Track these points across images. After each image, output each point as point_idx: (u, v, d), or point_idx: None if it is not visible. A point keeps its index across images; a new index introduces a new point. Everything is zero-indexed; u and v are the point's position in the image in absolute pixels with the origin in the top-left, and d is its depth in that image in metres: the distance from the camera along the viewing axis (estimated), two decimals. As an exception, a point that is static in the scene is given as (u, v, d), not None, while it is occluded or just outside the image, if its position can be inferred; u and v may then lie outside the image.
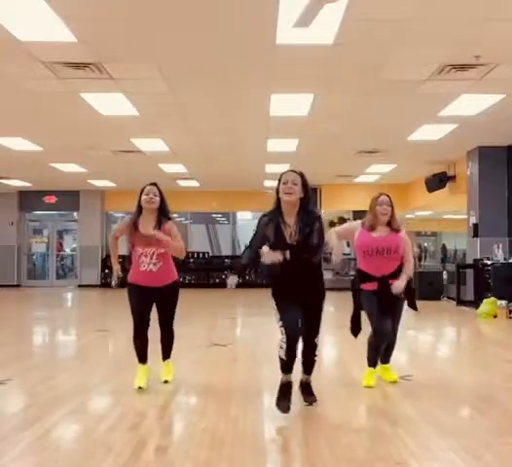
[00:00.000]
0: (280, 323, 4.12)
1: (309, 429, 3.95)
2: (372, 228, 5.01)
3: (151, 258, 4.74)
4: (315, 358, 4.38)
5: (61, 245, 20.42)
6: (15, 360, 6.41)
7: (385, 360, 5.20)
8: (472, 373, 5.86)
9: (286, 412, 4.05)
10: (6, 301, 15.07)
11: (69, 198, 18.66)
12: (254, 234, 4.29)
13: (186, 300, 14.10)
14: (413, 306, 5.25)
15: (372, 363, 5.13)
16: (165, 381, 4.99)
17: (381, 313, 4.91)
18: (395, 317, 5.08)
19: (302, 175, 4.22)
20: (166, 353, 5.07)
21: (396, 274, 4.97)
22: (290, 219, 4.17)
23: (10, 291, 17.32)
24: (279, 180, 4.21)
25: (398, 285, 4.89)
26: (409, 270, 5.00)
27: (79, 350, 7.51)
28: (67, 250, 20.65)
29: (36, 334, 9.46)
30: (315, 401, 4.37)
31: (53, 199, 18.78)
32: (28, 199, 18.81)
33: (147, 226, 4.77)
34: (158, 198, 4.81)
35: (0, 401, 4.75)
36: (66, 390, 4.90)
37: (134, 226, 4.81)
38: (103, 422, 4.02)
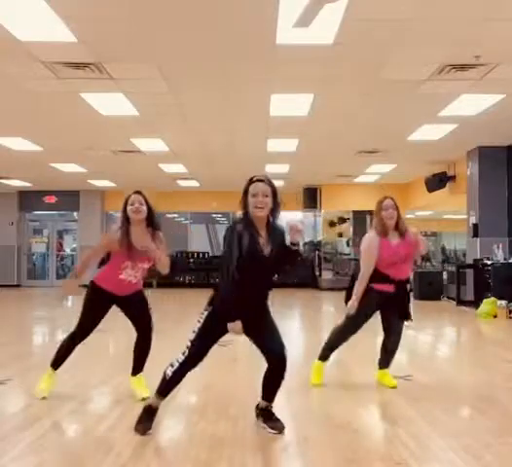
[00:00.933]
0: (192, 344, 3.74)
1: (309, 429, 3.95)
2: (384, 233, 4.92)
3: (137, 271, 4.52)
4: (282, 381, 3.88)
5: (61, 245, 20.43)
6: (15, 360, 6.41)
7: (385, 365, 5.12)
8: (472, 373, 5.86)
9: (145, 433, 3.73)
10: (6, 301, 15.07)
11: (69, 198, 18.67)
12: (228, 246, 3.72)
13: (186, 300, 13.98)
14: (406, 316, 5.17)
15: (322, 356, 5.14)
16: (143, 399, 4.45)
17: (364, 321, 4.95)
18: (399, 320, 5.05)
19: (271, 184, 3.76)
20: (140, 366, 4.70)
21: (409, 278, 5.05)
22: (262, 231, 3.75)
23: (10, 291, 17.32)
24: (247, 190, 3.72)
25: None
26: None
27: (79, 350, 7.49)
28: (67, 250, 20.65)
29: (36, 334, 9.46)
30: (284, 427, 3.83)
31: (53, 199, 18.80)
32: (28, 199, 18.82)
33: (137, 239, 4.46)
34: (144, 208, 4.52)
35: (0, 401, 4.75)
36: (66, 390, 4.89)
37: (129, 240, 4.43)
38: (103, 422, 4.02)
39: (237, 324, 3.63)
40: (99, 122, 9.33)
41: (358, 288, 4.88)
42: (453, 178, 13.32)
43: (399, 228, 4.93)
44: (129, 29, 5.77)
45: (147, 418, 3.81)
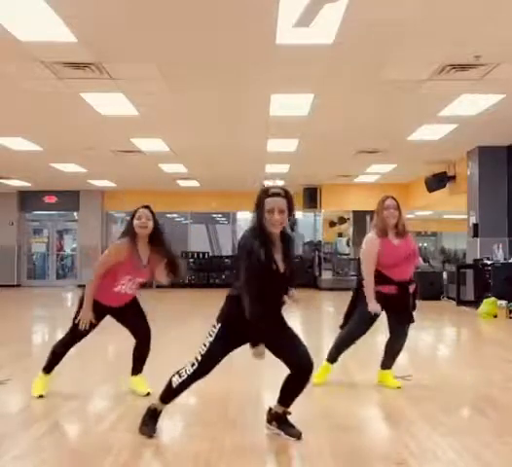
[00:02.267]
0: (202, 357, 3.58)
1: (309, 429, 3.94)
2: (384, 233, 4.86)
3: (133, 284, 4.54)
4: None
5: (61, 245, 20.43)
6: (15, 360, 6.40)
7: (388, 366, 5.07)
8: (472, 373, 5.86)
9: (151, 437, 3.67)
10: (6, 301, 15.07)
11: (69, 198, 18.68)
12: (247, 261, 3.41)
13: (186, 300, 13.98)
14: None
15: (330, 358, 5.11)
16: (148, 394, 4.64)
17: (367, 328, 4.90)
18: (406, 323, 4.97)
19: (288, 197, 3.51)
20: (140, 367, 4.80)
21: (413, 280, 4.96)
22: (276, 244, 3.56)
23: (10, 291, 17.32)
24: (261, 203, 3.48)
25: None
26: None
27: (79, 350, 7.49)
28: (67, 250, 20.66)
29: (36, 333, 9.47)
30: (301, 434, 3.69)
31: (53, 199, 18.81)
32: (28, 199, 18.83)
33: (141, 253, 4.49)
34: (151, 223, 4.49)
35: (0, 401, 4.75)
36: (66, 390, 4.89)
37: (132, 254, 4.43)
38: (103, 422, 4.02)
39: (262, 347, 3.46)
40: (99, 122, 9.33)
41: (368, 291, 4.81)
42: (453, 178, 13.32)
43: (398, 228, 4.86)
44: (129, 29, 5.77)
45: (151, 421, 3.74)
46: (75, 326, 4.53)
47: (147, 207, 4.56)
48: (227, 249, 20.29)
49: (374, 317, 4.87)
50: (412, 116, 9.33)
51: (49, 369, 4.72)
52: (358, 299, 4.98)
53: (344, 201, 17.63)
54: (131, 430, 3.84)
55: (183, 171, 14.65)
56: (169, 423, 4.19)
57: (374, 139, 11.14)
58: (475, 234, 12.00)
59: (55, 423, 4.04)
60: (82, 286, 4.67)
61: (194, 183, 16.75)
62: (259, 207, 3.50)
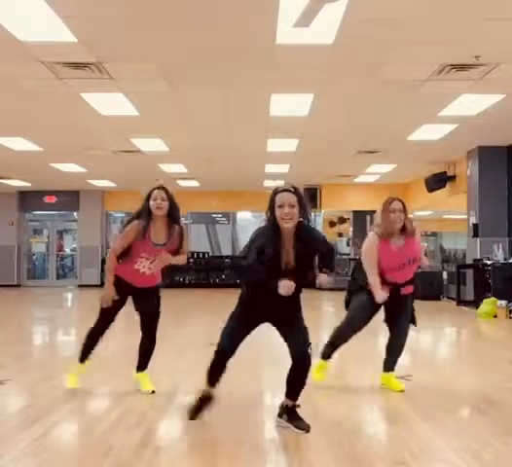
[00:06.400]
0: (222, 331, 3.93)
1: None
2: (388, 235, 4.73)
3: (151, 262, 4.61)
4: (306, 379, 3.87)
5: (61, 245, 20.43)
6: (15, 360, 6.40)
7: (389, 367, 4.97)
8: (472, 373, 5.86)
9: (194, 418, 4.00)
10: (6, 301, 15.07)
11: (69, 198, 18.70)
12: (249, 245, 3.73)
13: (186, 300, 13.99)
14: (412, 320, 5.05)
15: (324, 355, 5.03)
16: (153, 392, 4.73)
17: (367, 318, 4.86)
18: (404, 320, 4.92)
19: (298, 193, 3.68)
20: (145, 363, 4.84)
21: (409, 282, 4.85)
22: (288, 243, 3.70)
23: (10, 291, 17.31)
24: (273, 200, 3.67)
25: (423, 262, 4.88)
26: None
27: (79, 350, 7.50)
28: (67, 250, 20.65)
29: (36, 334, 9.46)
30: (309, 427, 3.81)
31: (53, 199, 18.81)
32: (28, 199, 18.84)
33: (156, 233, 4.57)
34: (166, 203, 4.57)
35: (0, 401, 4.75)
36: (66, 390, 4.89)
37: (145, 233, 4.54)
38: (103, 423, 4.02)
39: (285, 282, 3.60)
40: (99, 122, 9.34)
41: (372, 281, 4.73)
42: (453, 178, 13.33)
43: (406, 230, 4.74)
44: (129, 29, 5.78)
45: (200, 408, 4.01)
46: (102, 309, 4.70)
47: (162, 188, 4.60)
48: (227, 249, 20.27)
49: (363, 315, 4.85)
50: (412, 116, 9.33)
51: (82, 357, 4.88)
52: (351, 298, 5.01)
53: (344, 201, 17.64)
54: (131, 430, 3.84)
55: (183, 171, 14.67)
56: (170, 423, 4.19)
57: (374, 139, 11.15)
58: (475, 234, 12.00)
59: (55, 423, 4.04)
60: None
61: (194, 183, 16.76)
62: (271, 206, 3.68)
